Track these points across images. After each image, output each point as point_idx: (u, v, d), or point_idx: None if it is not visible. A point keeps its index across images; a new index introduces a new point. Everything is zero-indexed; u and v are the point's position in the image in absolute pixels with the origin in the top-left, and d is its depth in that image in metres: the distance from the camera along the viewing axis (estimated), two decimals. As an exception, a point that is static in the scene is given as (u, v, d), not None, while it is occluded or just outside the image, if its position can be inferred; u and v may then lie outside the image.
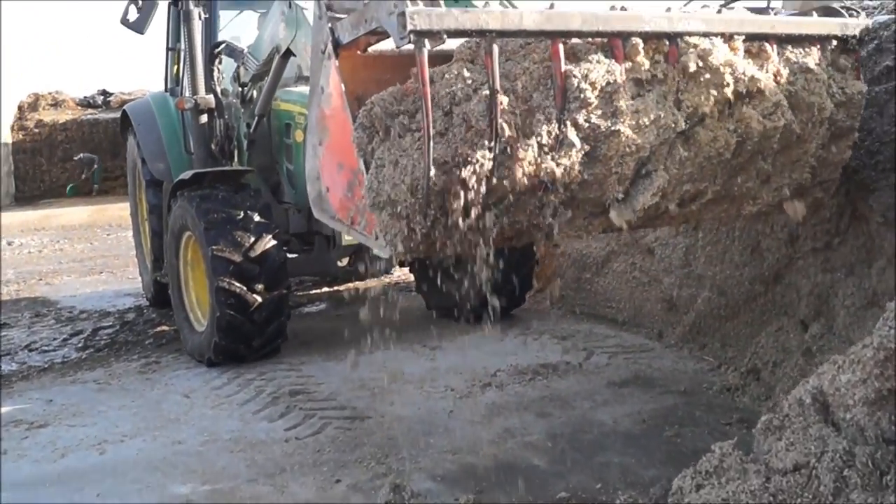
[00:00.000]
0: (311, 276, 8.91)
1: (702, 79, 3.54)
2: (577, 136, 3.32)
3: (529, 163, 3.26)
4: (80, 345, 7.49)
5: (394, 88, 3.45)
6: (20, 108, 26.12)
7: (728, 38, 3.64)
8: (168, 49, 8.52)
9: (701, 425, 4.65)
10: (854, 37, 4.04)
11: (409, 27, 3.01)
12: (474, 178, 3.20)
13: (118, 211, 16.64)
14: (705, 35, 3.58)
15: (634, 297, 6.81)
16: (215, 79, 7.38)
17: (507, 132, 3.21)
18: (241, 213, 6.22)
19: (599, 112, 3.35)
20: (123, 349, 7.24)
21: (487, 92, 3.18)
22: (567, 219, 3.56)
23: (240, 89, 7.27)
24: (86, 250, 14.18)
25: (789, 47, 3.87)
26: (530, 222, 3.50)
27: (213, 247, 6.06)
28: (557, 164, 3.28)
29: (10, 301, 9.83)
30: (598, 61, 3.36)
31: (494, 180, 3.24)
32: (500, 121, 3.16)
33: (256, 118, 6.90)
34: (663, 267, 6.47)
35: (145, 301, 8.96)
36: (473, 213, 3.29)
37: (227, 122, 7.42)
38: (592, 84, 3.32)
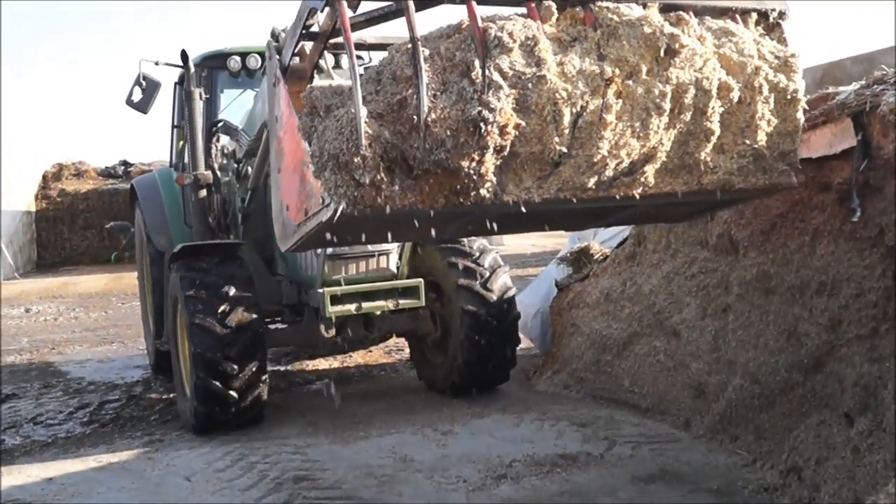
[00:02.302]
0: (298, 347, 9.04)
1: (621, 32, 3.70)
2: (503, 81, 3.45)
3: (458, 103, 3.39)
4: (85, 419, 7.24)
5: (332, 82, 3.79)
6: (44, 177, 26.39)
7: (643, 5, 3.83)
8: (173, 126, 8.81)
9: (737, 529, 4.28)
10: (774, 10, 4.21)
11: None
12: (408, 124, 3.37)
13: (134, 280, 16.53)
14: (618, 1, 3.79)
15: (658, 382, 6.47)
16: (213, 155, 7.69)
17: (430, 74, 3.41)
18: (223, 283, 6.34)
19: (522, 61, 3.51)
20: (128, 425, 6.98)
21: (410, 45, 3.40)
22: (512, 175, 3.60)
23: (235, 165, 7.50)
24: (100, 319, 14.03)
25: (708, 18, 4.05)
26: (472, 174, 3.47)
27: (193, 316, 6.20)
28: (488, 105, 3.37)
29: (22, 370, 9.67)
30: (514, 20, 3.58)
31: (428, 122, 3.36)
32: (422, 64, 3.35)
33: (250, 192, 7.05)
34: (690, 351, 6.15)
35: (152, 372, 8.84)
36: (417, 154, 3.41)
37: (224, 197, 7.71)
38: (510, 35, 3.50)
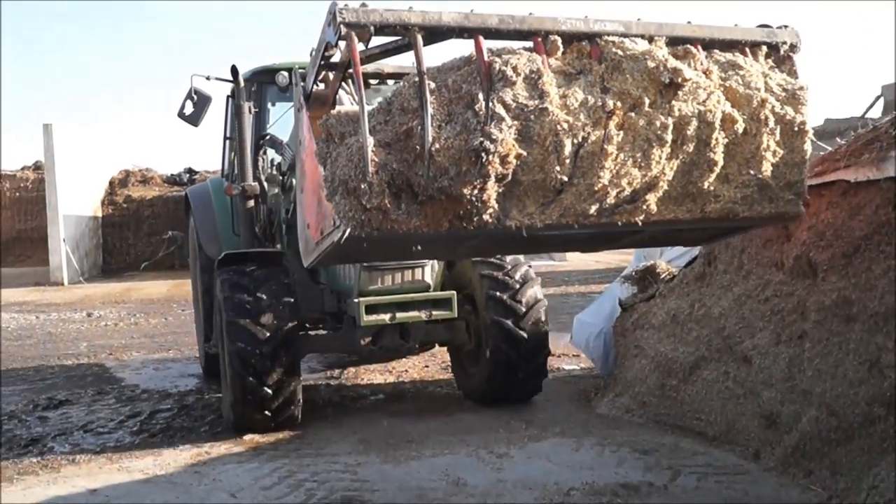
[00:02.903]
0: (337, 353, 9.38)
1: (625, 65, 3.82)
2: (506, 112, 3.61)
3: (461, 133, 3.57)
4: (135, 428, 7.16)
5: (349, 109, 4.07)
6: (111, 183, 26.93)
7: (649, 39, 3.94)
8: (225, 138, 9.14)
9: (812, 574, 3.95)
10: (784, 43, 4.28)
11: (339, 19, 3.51)
12: (414, 153, 3.58)
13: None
14: (624, 36, 3.90)
15: (727, 409, 6.13)
16: (260, 167, 8.00)
17: (436, 106, 3.61)
18: (262, 300, 6.55)
19: (526, 93, 3.65)
20: (177, 436, 6.88)
21: (417, 79, 3.59)
22: (515, 202, 3.75)
23: (281, 178, 7.78)
24: (159, 325, 14.11)
25: (716, 51, 4.14)
26: (475, 200, 3.64)
27: (234, 341, 6.46)
28: (490, 136, 3.53)
29: (78, 376, 9.70)
30: (519, 54, 3.74)
31: (432, 151, 3.55)
32: (427, 96, 3.54)
33: (293, 203, 7.13)
34: (762, 378, 5.82)
35: (206, 382, 8.86)
36: (419, 183, 3.61)
37: (270, 208, 8.00)
38: (515, 68, 3.65)
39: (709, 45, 4.11)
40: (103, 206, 26.26)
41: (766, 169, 4.12)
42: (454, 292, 7.03)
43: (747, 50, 4.19)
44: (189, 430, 7.04)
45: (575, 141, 3.70)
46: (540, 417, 7.06)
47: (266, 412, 6.50)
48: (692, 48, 4.02)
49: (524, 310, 7.10)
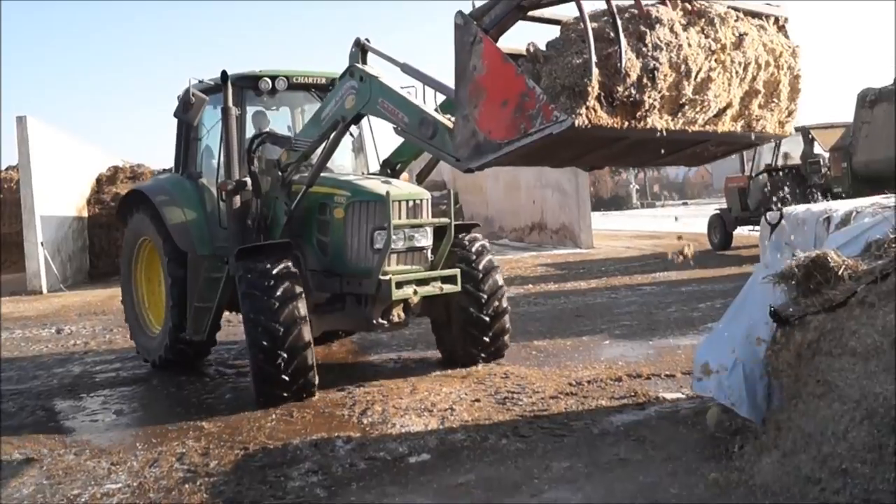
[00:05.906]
0: (346, 330, 10.15)
1: (716, 21, 5.44)
2: (663, 45, 5.11)
3: (637, 57, 5.00)
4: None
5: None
6: (98, 180, 24.54)
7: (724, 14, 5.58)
8: (190, 139, 9.63)
9: None
10: (784, 17, 6.08)
11: None
12: (613, 69, 4.89)
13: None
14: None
15: None
16: (254, 164, 8.56)
17: (623, 37, 4.95)
18: (273, 282, 7.34)
19: (669, 34, 5.15)
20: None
21: (609, 18, 5.01)
22: (657, 112, 5.20)
23: (280, 173, 8.26)
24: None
25: (750, 17, 5.83)
26: (649, 107, 5.08)
27: (250, 314, 7.34)
28: (658, 59, 5.04)
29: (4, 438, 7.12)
30: (657, 7, 5.26)
31: (623, 70, 4.89)
32: (620, 30, 4.93)
33: (304, 188, 8.09)
34: None
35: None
36: (620, 90, 4.94)
37: (263, 202, 8.49)
38: (659, 16, 5.18)
39: (749, 13, 5.77)
40: (89, 205, 23.75)
41: (783, 100, 5.98)
42: (458, 270, 8.12)
43: (765, 18, 5.90)
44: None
45: (696, 69, 5.24)
46: (674, 494, 4.59)
47: (286, 390, 7.30)
48: (743, 17, 5.68)
49: (474, 256, 8.51)
